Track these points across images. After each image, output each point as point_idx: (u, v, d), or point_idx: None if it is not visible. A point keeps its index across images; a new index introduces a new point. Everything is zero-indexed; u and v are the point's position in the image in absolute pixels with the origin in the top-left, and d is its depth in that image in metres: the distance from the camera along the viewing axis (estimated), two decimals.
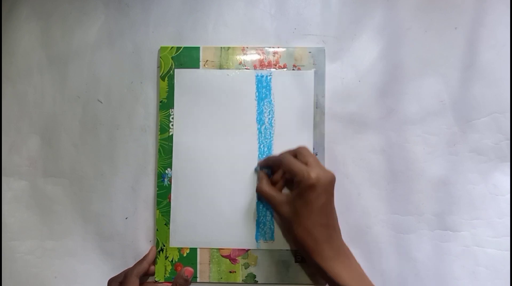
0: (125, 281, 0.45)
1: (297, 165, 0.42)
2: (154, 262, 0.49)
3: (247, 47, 0.51)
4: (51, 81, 0.53)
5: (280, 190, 0.47)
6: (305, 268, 0.48)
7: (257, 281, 0.49)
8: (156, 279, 0.49)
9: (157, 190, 0.50)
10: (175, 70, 0.51)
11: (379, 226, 0.49)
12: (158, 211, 0.50)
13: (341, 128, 0.50)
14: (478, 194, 0.48)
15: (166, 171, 0.50)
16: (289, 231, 0.43)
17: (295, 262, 0.49)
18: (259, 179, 0.48)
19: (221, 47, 0.51)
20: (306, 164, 0.42)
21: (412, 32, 0.51)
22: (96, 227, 0.51)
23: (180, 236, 0.49)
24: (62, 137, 0.52)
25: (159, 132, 0.51)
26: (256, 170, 0.49)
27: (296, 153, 0.45)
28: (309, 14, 0.52)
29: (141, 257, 0.49)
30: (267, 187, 0.46)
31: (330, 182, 0.41)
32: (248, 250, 0.49)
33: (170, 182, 0.50)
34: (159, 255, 0.49)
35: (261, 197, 0.48)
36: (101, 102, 0.52)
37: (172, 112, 0.51)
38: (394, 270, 0.48)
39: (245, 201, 0.49)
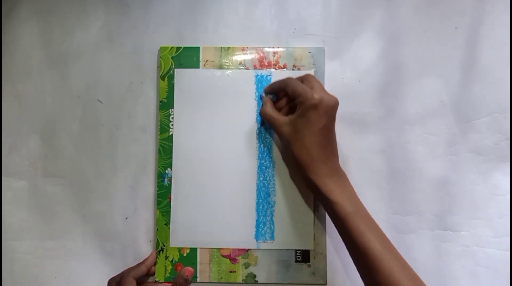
0: (121, 282, 0.45)
1: (301, 86, 0.42)
2: (153, 265, 0.49)
3: (247, 47, 0.51)
4: (51, 81, 0.53)
5: (286, 113, 0.47)
6: (305, 268, 0.48)
7: (257, 281, 0.49)
8: (156, 279, 0.49)
9: (157, 190, 0.50)
10: (175, 70, 0.51)
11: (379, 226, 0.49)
12: (158, 211, 0.50)
13: (341, 128, 0.50)
14: (478, 194, 0.48)
15: (166, 171, 0.50)
16: (288, 150, 0.44)
17: (295, 262, 0.49)
18: (263, 103, 0.48)
19: (221, 47, 0.51)
20: (311, 88, 0.42)
21: (412, 32, 0.51)
22: (96, 227, 0.51)
23: (180, 236, 0.49)
24: (62, 137, 0.52)
25: (159, 132, 0.51)
26: (261, 96, 0.49)
27: (303, 79, 0.45)
28: (309, 14, 0.52)
29: (141, 257, 0.49)
30: (270, 110, 0.46)
31: (332, 105, 0.42)
32: (248, 250, 0.49)
33: (170, 182, 0.50)
34: (159, 255, 0.49)
35: (264, 121, 0.48)
36: (101, 102, 0.52)
37: (172, 112, 0.51)
38: None
39: (245, 201, 0.49)
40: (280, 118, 0.45)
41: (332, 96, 0.42)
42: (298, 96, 0.42)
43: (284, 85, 0.45)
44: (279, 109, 0.47)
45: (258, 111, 0.50)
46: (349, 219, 0.40)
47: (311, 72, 0.50)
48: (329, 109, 0.41)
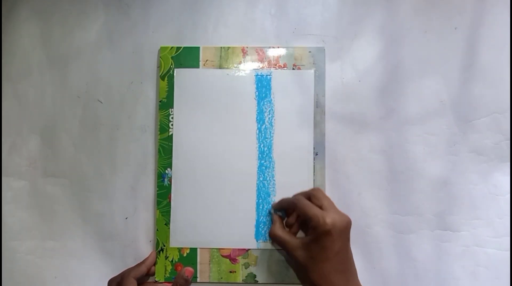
0: (122, 282, 0.45)
1: (312, 209, 0.41)
2: (153, 265, 0.49)
3: (247, 47, 0.51)
4: (51, 81, 0.53)
5: (295, 233, 0.46)
6: None
7: (257, 281, 0.49)
8: (156, 279, 0.49)
9: (157, 190, 0.50)
10: (175, 70, 0.51)
11: (379, 226, 0.49)
12: (158, 211, 0.50)
13: (341, 128, 0.50)
14: (478, 194, 0.48)
15: (166, 171, 0.50)
16: (305, 276, 0.41)
17: None
18: (272, 223, 0.47)
19: (221, 47, 0.51)
20: (321, 207, 0.41)
21: (412, 32, 0.51)
22: (96, 227, 0.51)
23: (180, 236, 0.49)
24: (62, 137, 0.52)
25: (159, 132, 0.50)
26: (269, 212, 0.49)
27: (310, 196, 0.44)
28: (309, 14, 0.52)
29: (141, 257, 0.49)
30: (280, 231, 0.45)
31: (346, 227, 0.40)
32: (248, 250, 0.49)
33: (170, 182, 0.50)
34: (159, 255, 0.49)
35: (274, 242, 0.46)
36: (101, 102, 0.52)
37: (172, 111, 0.51)
38: (394, 270, 0.48)
39: (245, 201, 0.49)
40: (292, 241, 0.43)
41: (344, 216, 0.41)
42: (309, 220, 0.41)
43: (293, 206, 0.44)
44: (289, 225, 0.46)
45: (258, 111, 0.50)
46: None
47: (311, 71, 0.50)
48: (343, 232, 0.40)
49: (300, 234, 0.47)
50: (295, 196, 0.46)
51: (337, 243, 0.39)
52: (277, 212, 0.47)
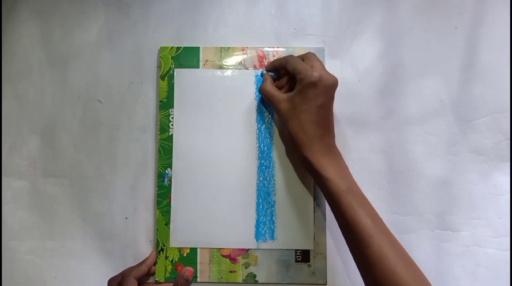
0: (122, 282, 0.45)
1: (302, 64, 0.43)
2: (153, 265, 0.49)
3: (247, 47, 0.51)
4: (51, 81, 0.53)
5: (286, 91, 0.47)
6: (305, 268, 0.48)
7: (257, 281, 0.49)
8: (156, 279, 0.49)
9: (157, 190, 0.50)
10: (175, 70, 0.51)
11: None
12: (158, 211, 0.50)
13: (341, 128, 0.50)
14: (478, 194, 0.48)
15: (166, 171, 0.50)
16: (284, 126, 0.44)
17: (295, 262, 0.48)
18: (263, 80, 0.48)
19: (221, 47, 0.51)
20: (311, 66, 0.43)
21: (412, 32, 0.51)
22: (96, 227, 0.51)
23: (180, 236, 0.49)
24: (62, 137, 0.52)
25: (159, 132, 0.51)
26: (262, 73, 0.50)
27: (304, 57, 0.45)
28: (309, 14, 0.52)
29: (141, 257, 0.49)
30: (269, 86, 0.46)
31: (331, 84, 0.42)
32: (248, 249, 0.49)
33: (170, 182, 0.50)
34: (159, 255, 0.49)
35: (263, 96, 0.48)
36: (101, 102, 0.52)
37: (172, 111, 0.51)
38: None
39: (245, 201, 0.49)
40: (278, 95, 0.45)
41: (332, 75, 0.42)
42: (298, 73, 0.42)
43: (285, 62, 0.45)
44: (280, 87, 0.47)
45: (258, 111, 0.50)
46: (342, 196, 0.40)
47: None
48: (328, 87, 0.42)
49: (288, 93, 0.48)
50: (287, 55, 0.47)
51: (320, 97, 0.41)
52: (269, 72, 0.49)
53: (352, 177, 0.43)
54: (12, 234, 0.52)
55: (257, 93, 0.50)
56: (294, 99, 0.43)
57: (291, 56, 0.46)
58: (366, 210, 0.40)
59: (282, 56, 0.50)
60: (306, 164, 0.43)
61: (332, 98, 0.43)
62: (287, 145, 0.49)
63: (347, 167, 0.44)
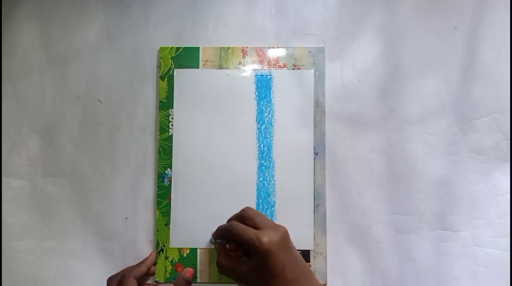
0: (122, 282, 0.45)
1: (246, 233, 0.40)
2: (153, 265, 0.49)
3: (247, 47, 0.51)
4: (51, 81, 0.53)
5: (240, 257, 0.45)
6: None
7: None
8: (156, 280, 0.49)
9: (157, 191, 0.50)
10: (175, 70, 0.51)
11: (379, 226, 0.49)
12: (158, 211, 0.50)
13: (341, 128, 0.50)
14: (478, 194, 0.48)
15: (166, 171, 0.50)
16: None
17: None
18: (217, 253, 0.45)
19: (220, 47, 0.51)
20: (254, 226, 0.41)
21: (412, 32, 0.51)
22: (96, 227, 0.51)
23: (180, 237, 0.49)
24: (62, 137, 0.52)
25: (159, 132, 0.50)
26: (211, 241, 0.46)
27: (243, 218, 0.43)
28: (309, 14, 0.52)
29: (141, 257, 0.49)
30: (225, 261, 0.43)
31: (282, 238, 0.40)
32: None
33: (170, 182, 0.50)
34: (159, 256, 0.49)
35: (223, 272, 0.44)
36: (101, 102, 0.52)
37: (171, 112, 0.51)
38: (394, 270, 0.48)
39: (245, 201, 0.49)
40: (239, 268, 0.42)
41: (279, 229, 0.40)
42: (247, 244, 0.40)
43: (229, 233, 0.43)
44: (232, 251, 0.45)
45: (258, 111, 0.50)
46: None
47: (311, 71, 0.50)
48: (282, 244, 0.39)
49: (246, 260, 0.44)
50: (228, 222, 0.45)
51: (280, 257, 0.39)
52: (217, 241, 0.45)
53: None
54: (12, 234, 0.52)
55: (256, 92, 0.50)
56: (257, 269, 0.40)
57: (231, 225, 0.42)
58: None
59: (282, 53, 0.50)
60: None
61: (290, 247, 0.40)
62: None
63: None
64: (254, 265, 0.40)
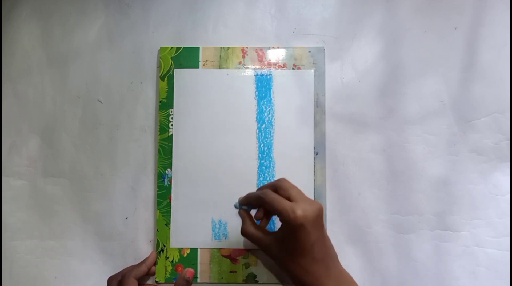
0: (122, 282, 0.45)
1: (280, 203, 0.39)
2: (153, 265, 0.49)
3: (247, 47, 0.51)
4: (51, 81, 0.53)
5: (265, 225, 0.44)
6: None
7: (258, 281, 0.49)
8: (157, 280, 0.49)
9: (157, 191, 0.50)
10: (175, 70, 0.51)
11: (379, 226, 0.49)
12: (158, 211, 0.50)
13: (341, 128, 0.50)
14: (478, 194, 0.48)
15: (166, 171, 0.50)
16: (285, 270, 0.40)
17: None
18: (242, 220, 0.44)
19: (220, 47, 0.51)
20: (289, 198, 0.39)
21: (412, 32, 0.51)
22: (96, 227, 0.51)
23: (181, 237, 0.49)
24: (62, 137, 0.52)
25: (159, 133, 0.50)
26: (235, 206, 0.45)
27: (277, 187, 0.41)
28: (309, 14, 0.52)
29: (141, 257, 0.49)
30: (252, 229, 0.42)
31: (318, 216, 0.38)
32: (249, 250, 0.49)
33: (170, 182, 0.50)
34: (160, 256, 0.49)
35: (247, 239, 0.43)
36: (101, 102, 0.52)
37: (171, 112, 0.51)
38: (394, 270, 0.48)
39: None
40: (265, 237, 0.41)
41: (315, 204, 0.39)
42: (279, 214, 0.38)
43: (261, 201, 0.41)
44: (258, 218, 0.44)
45: (258, 111, 0.50)
46: None
47: (311, 71, 0.50)
48: (316, 221, 0.38)
49: (273, 230, 0.44)
50: (261, 189, 0.43)
51: (312, 234, 0.38)
52: (243, 207, 0.44)
53: None
54: (12, 234, 0.52)
55: (256, 92, 0.50)
56: (285, 242, 0.39)
57: (265, 193, 0.41)
58: None
59: (282, 53, 0.50)
60: None
61: (322, 226, 0.39)
62: (288, 279, 0.43)
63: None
64: (282, 236, 0.39)
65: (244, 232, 0.43)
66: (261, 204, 0.42)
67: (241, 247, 0.49)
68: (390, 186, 0.49)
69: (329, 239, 0.41)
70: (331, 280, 0.39)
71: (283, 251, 0.39)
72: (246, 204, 0.44)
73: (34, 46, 0.53)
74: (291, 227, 0.37)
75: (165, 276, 0.49)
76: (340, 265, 0.41)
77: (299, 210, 0.37)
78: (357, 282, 0.41)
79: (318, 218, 0.38)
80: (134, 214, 0.51)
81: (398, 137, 0.50)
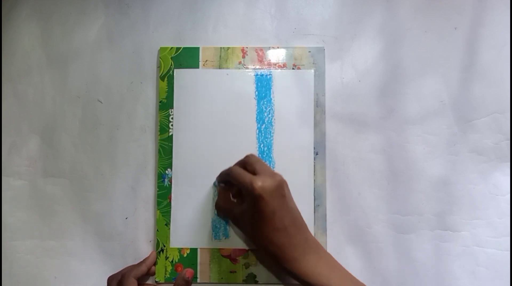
0: (122, 281, 0.45)
1: (243, 177, 0.41)
2: (153, 265, 0.49)
3: (247, 47, 0.51)
4: (51, 81, 0.53)
5: (241, 203, 0.45)
6: None
7: (258, 281, 0.48)
8: (157, 280, 0.49)
9: (158, 191, 0.50)
10: (175, 70, 0.51)
11: (379, 226, 0.49)
12: (158, 211, 0.50)
13: (341, 128, 0.50)
14: (478, 194, 0.48)
15: (166, 171, 0.50)
16: (252, 241, 0.43)
17: None
18: (218, 195, 0.48)
19: (220, 47, 0.51)
20: (254, 172, 0.42)
21: (412, 32, 0.51)
22: (96, 227, 0.51)
23: (181, 237, 0.49)
24: (62, 137, 0.52)
25: (159, 133, 0.50)
26: (214, 184, 0.49)
27: (245, 163, 0.44)
28: (309, 14, 0.52)
29: (141, 257, 0.49)
30: (222, 202, 0.46)
31: (276, 187, 0.40)
32: (249, 250, 0.49)
33: (171, 182, 0.50)
34: (160, 256, 0.49)
35: (220, 213, 0.47)
36: (101, 102, 0.52)
37: (171, 112, 0.51)
38: (394, 270, 0.48)
39: None
40: (234, 209, 0.44)
41: (275, 177, 0.41)
42: (241, 187, 0.41)
43: (229, 177, 0.44)
44: (235, 196, 0.47)
45: (258, 111, 0.50)
46: None
47: (311, 71, 0.50)
48: (275, 191, 0.40)
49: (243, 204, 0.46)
50: (231, 167, 0.46)
51: (270, 204, 0.39)
52: (220, 184, 0.48)
53: (340, 266, 0.42)
54: (12, 234, 0.52)
55: (256, 92, 0.50)
56: (248, 213, 0.41)
57: (231, 169, 0.44)
58: None
59: (282, 53, 0.50)
60: (294, 276, 0.41)
61: (284, 196, 0.41)
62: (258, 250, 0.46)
63: (332, 259, 0.42)
64: (246, 208, 0.42)
65: (216, 206, 0.47)
66: (229, 180, 0.44)
67: (241, 247, 0.49)
68: (390, 186, 0.49)
69: (296, 210, 0.43)
70: (294, 249, 0.40)
71: (248, 222, 0.42)
72: (221, 181, 0.48)
73: (34, 46, 0.53)
74: (252, 198, 0.40)
75: (165, 276, 0.49)
76: (308, 233, 0.42)
77: (259, 182, 0.39)
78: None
79: (278, 188, 0.40)
80: (134, 214, 0.51)
81: (398, 137, 0.50)
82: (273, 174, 0.41)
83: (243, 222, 0.43)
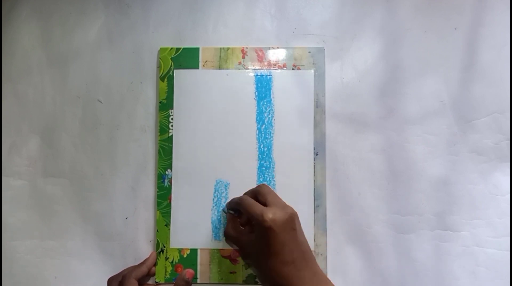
0: (123, 282, 0.45)
1: (253, 208, 0.41)
2: (153, 265, 0.49)
3: (247, 48, 0.51)
4: (51, 81, 0.53)
5: (250, 232, 0.44)
6: None
7: (258, 282, 0.48)
8: (157, 280, 0.49)
9: (158, 191, 0.50)
10: (175, 70, 0.51)
11: (379, 226, 0.49)
12: (158, 212, 0.50)
13: (341, 128, 0.50)
14: (478, 194, 0.48)
15: (166, 172, 0.50)
16: (258, 271, 0.41)
17: None
18: (227, 222, 0.47)
19: (220, 48, 0.51)
20: (265, 203, 0.41)
21: (412, 32, 0.51)
22: (96, 227, 0.51)
23: (181, 237, 0.49)
24: (62, 137, 0.52)
25: (159, 133, 0.50)
26: (224, 211, 0.48)
27: (256, 193, 0.44)
28: (309, 14, 0.52)
29: (141, 257, 0.49)
30: (231, 231, 0.45)
31: (287, 220, 0.40)
32: None
33: (171, 183, 0.50)
34: (160, 256, 0.49)
35: (228, 241, 0.45)
36: (101, 102, 0.52)
37: (171, 112, 0.51)
38: (394, 270, 0.48)
39: None
40: (242, 238, 0.43)
41: (286, 209, 0.40)
42: (251, 218, 0.41)
43: (239, 207, 0.44)
44: (244, 225, 0.46)
45: (258, 111, 0.50)
46: None
47: (311, 72, 0.50)
48: (285, 224, 0.39)
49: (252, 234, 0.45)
50: (242, 196, 0.45)
51: (280, 237, 0.39)
52: (229, 211, 0.46)
53: None
54: (12, 234, 0.52)
55: (256, 92, 0.50)
56: (257, 244, 0.40)
57: (242, 198, 0.43)
58: None
59: (282, 53, 0.50)
60: None
61: (294, 229, 0.40)
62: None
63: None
64: (255, 239, 0.41)
65: (225, 234, 0.45)
66: (239, 209, 0.44)
67: None
68: (390, 186, 0.49)
69: (306, 244, 0.42)
70: (303, 282, 0.39)
71: (256, 253, 0.41)
72: (231, 209, 0.46)
73: (34, 46, 0.53)
74: (262, 229, 0.39)
75: (165, 277, 0.49)
76: (316, 267, 0.42)
77: (269, 214, 0.39)
78: (357, 282, 0.41)
79: (289, 222, 0.40)
80: (134, 214, 0.51)
81: (398, 137, 0.50)
82: (285, 207, 0.41)
83: (251, 252, 0.42)
